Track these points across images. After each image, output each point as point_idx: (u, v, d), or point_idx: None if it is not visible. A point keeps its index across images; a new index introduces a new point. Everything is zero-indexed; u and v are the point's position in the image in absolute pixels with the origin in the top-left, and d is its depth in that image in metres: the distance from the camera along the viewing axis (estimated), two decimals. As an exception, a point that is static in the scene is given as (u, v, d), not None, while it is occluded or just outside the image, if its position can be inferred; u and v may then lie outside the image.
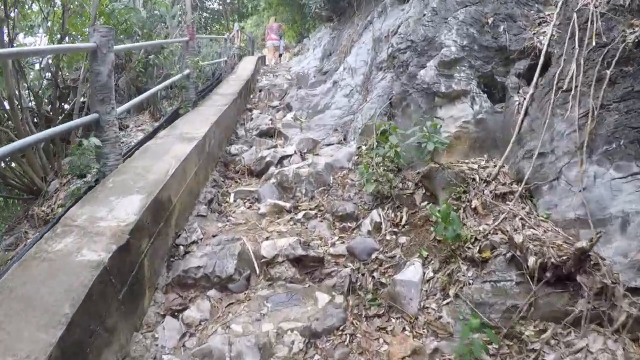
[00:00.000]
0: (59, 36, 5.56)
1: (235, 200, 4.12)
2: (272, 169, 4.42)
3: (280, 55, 14.44)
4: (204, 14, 18.95)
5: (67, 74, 6.56)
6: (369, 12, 8.05)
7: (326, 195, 3.97)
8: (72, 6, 5.49)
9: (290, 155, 4.74)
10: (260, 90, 8.55)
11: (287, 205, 3.80)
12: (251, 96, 8.20)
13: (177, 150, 3.45)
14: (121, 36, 6.75)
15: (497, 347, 2.20)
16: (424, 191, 3.40)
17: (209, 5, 19.60)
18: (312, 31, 15.38)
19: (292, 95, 7.67)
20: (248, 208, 3.95)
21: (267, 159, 4.60)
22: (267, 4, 17.29)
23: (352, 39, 8.25)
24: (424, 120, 3.49)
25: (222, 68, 8.95)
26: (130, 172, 2.98)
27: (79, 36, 5.87)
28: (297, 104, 7.10)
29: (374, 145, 3.81)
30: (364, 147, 4.67)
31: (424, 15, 4.34)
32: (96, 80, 3.01)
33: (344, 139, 5.18)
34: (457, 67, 3.81)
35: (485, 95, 3.75)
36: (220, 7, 20.12)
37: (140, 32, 6.59)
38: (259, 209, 3.78)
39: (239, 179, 4.69)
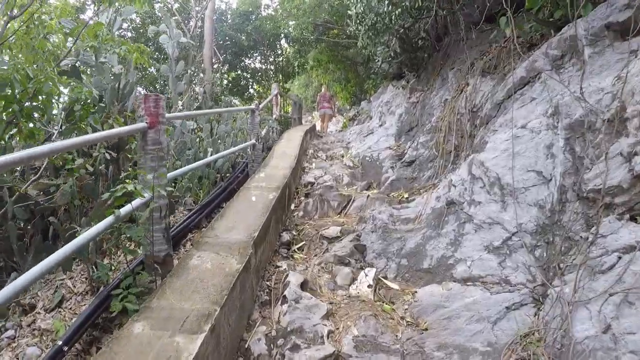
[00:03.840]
0: None
1: None
2: None
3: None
4: (243, 74, 16.50)
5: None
6: (495, 61, 4.71)
7: None
8: None
9: None
10: (306, 195, 5.24)
11: None
12: (292, 207, 4.90)
13: None
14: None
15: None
16: None
17: (249, 64, 17.10)
18: (372, 92, 12.36)
19: (362, 212, 4.30)
20: None
21: None
22: (315, 62, 14.70)
23: (455, 110, 4.87)
24: None
25: (248, 155, 5.82)
26: None
27: None
28: (377, 242, 3.67)
29: None
30: None
31: None
32: None
33: None
34: None
35: None
36: (263, 66, 17.65)
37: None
38: None
39: None
